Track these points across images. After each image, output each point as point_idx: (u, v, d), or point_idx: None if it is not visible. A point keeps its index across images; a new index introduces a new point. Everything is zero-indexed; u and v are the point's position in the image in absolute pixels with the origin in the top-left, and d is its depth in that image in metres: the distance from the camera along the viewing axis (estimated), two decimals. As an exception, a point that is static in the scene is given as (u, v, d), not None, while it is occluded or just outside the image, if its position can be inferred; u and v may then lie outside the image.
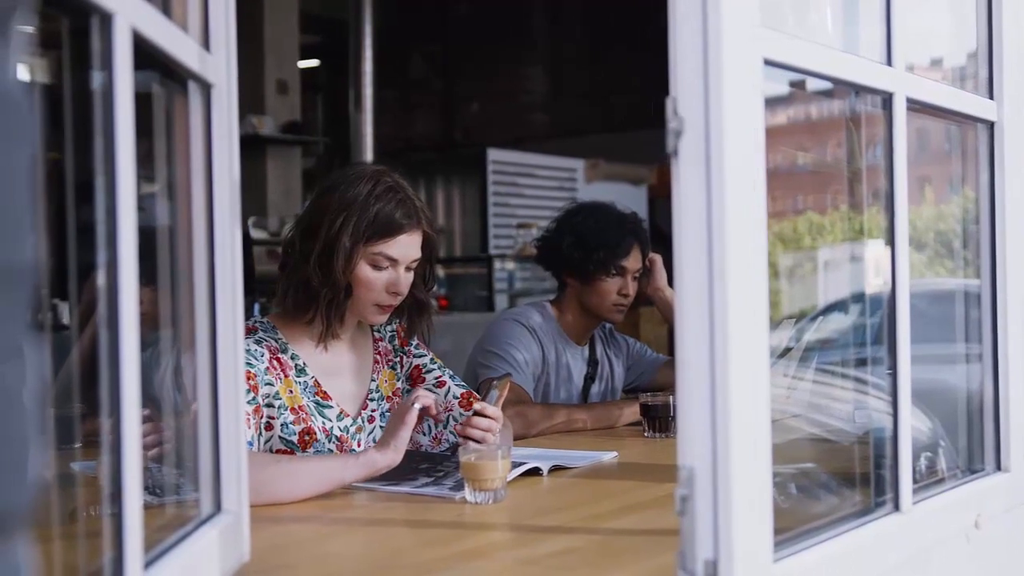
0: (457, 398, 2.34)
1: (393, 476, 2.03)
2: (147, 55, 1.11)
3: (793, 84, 1.46)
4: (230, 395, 1.38)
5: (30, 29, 0.64)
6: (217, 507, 1.37)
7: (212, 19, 1.35)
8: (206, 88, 1.34)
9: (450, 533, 1.71)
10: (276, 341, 2.21)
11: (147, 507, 1.07)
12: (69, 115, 1.09)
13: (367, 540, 1.71)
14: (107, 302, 1.00)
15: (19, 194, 0.59)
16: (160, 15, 1.14)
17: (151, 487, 1.33)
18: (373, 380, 2.33)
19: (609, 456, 2.35)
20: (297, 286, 2.18)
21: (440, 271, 7.77)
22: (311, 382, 2.21)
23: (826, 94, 1.71)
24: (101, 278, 1.00)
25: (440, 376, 2.38)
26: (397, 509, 1.88)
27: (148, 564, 1.09)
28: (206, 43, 1.34)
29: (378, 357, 2.36)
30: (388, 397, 2.35)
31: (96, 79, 1.00)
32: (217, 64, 1.35)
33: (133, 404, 1.02)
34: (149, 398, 1.17)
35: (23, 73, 0.62)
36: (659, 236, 3.74)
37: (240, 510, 1.40)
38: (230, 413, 1.38)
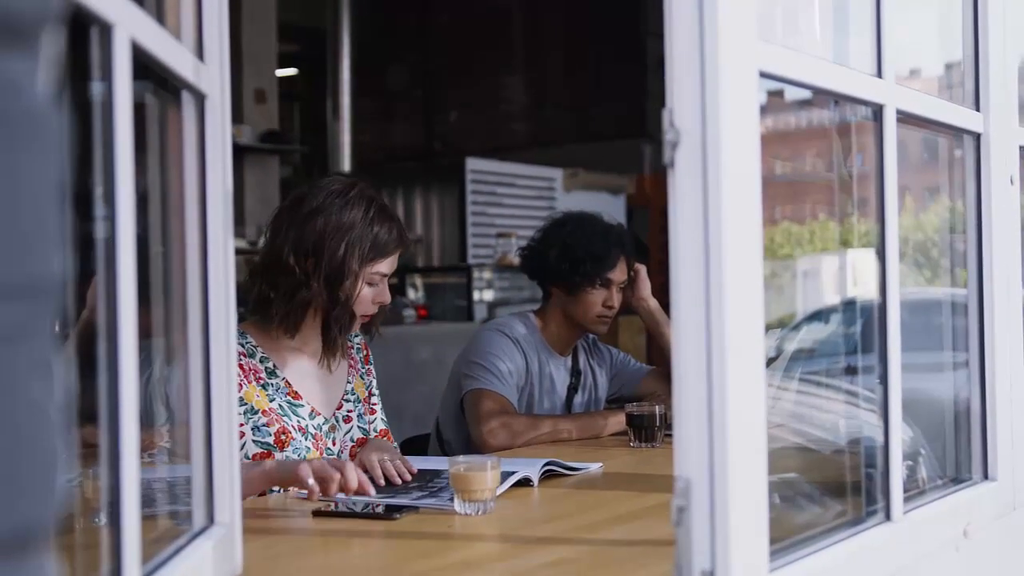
0: (377, 432, 2.42)
1: (388, 490, 2.03)
2: (142, 65, 1.10)
3: (772, 93, 1.47)
4: (223, 407, 1.38)
5: (59, 42, 0.64)
6: (210, 519, 1.36)
7: (206, 29, 1.34)
8: (200, 98, 1.33)
9: (441, 544, 1.71)
10: (242, 346, 2.25)
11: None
12: (65, 124, 1.08)
13: (359, 552, 1.70)
14: (106, 313, 0.99)
15: (50, 209, 0.59)
16: (158, 26, 1.13)
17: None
18: (349, 382, 2.40)
19: (595, 467, 2.35)
20: (299, 307, 2.23)
21: (418, 280, 7.76)
22: (282, 383, 2.26)
23: (804, 104, 1.72)
24: (100, 289, 0.99)
25: (375, 404, 2.48)
26: (388, 521, 1.87)
27: (144, 578, 1.08)
28: (200, 53, 1.33)
29: (352, 362, 2.44)
30: (364, 400, 2.43)
31: (95, 89, 1.00)
32: (211, 74, 1.35)
33: (131, 417, 1.01)
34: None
35: (51, 86, 0.62)
36: (638, 246, 3.73)
37: (233, 522, 1.39)
38: (223, 426, 1.38)
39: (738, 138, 1.18)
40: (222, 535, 1.35)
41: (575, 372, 3.14)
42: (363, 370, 2.46)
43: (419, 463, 2.31)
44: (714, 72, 1.15)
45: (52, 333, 0.59)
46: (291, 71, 10.00)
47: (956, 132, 1.83)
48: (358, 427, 2.38)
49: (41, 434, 0.57)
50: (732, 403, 1.16)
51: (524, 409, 2.97)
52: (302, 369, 2.31)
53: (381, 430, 2.44)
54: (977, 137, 1.83)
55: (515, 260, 3.26)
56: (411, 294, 7.51)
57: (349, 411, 2.38)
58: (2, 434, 0.54)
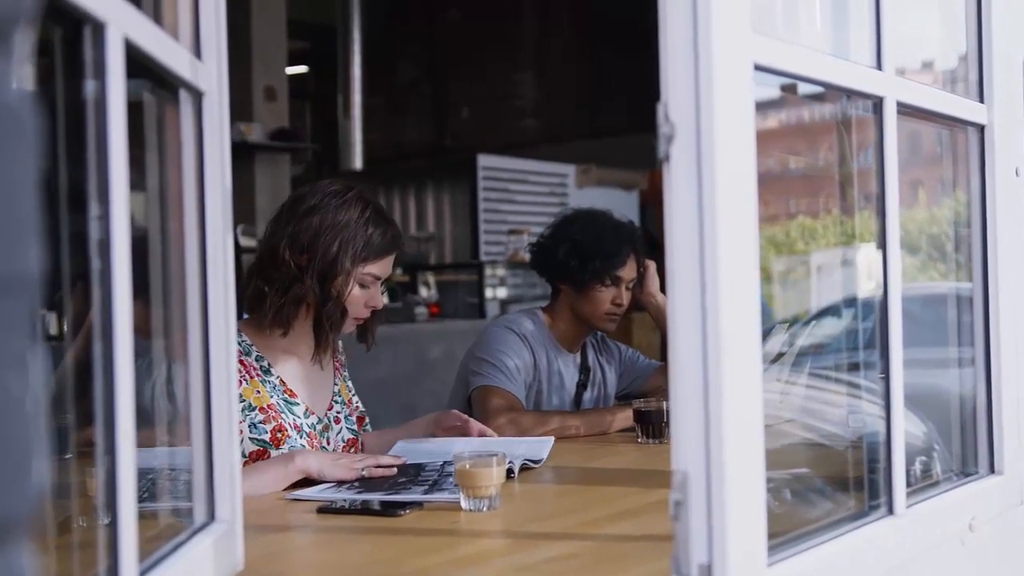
0: (344, 442, 2.43)
1: (383, 488, 2.02)
2: (138, 63, 1.11)
3: (784, 88, 1.47)
4: (223, 405, 1.38)
5: (32, 40, 0.64)
6: (211, 516, 1.37)
7: (203, 26, 1.35)
8: (197, 96, 1.33)
9: (445, 540, 1.71)
10: (239, 344, 2.27)
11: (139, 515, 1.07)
12: (60, 123, 1.09)
13: (361, 548, 1.70)
14: (101, 312, 1.00)
15: (24, 204, 0.59)
16: (152, 24, 1.14)
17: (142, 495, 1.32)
18: (335, 384, 2.45)
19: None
20: (292, 302, 2.26)
21: (431, 278, 7.76)
22: (277, 381, 2.30)
23: (816, 98, 1.72)
24: (95, 288, 0.99)
25: (346, 413, 2.48)
26: (392, 517, 1.87)
27: (143, 573, 1.09)
28: (197, 51, 1.34)
29: (337, 366, 2.49)
30: (347, 402, 2.47)
31: (88, 87, 1.00)
32: (208, 72, 1.35)
33: (127, 415, 1.02)
34: (141, 408, 1.17)
35: (26, 84, 0.62)
36: (650, 242, 3.71)
37: (234, 519, 1.40)
38: (223, 423, 1.38)
39: (733, 131, 1.18)
40: (223, 531, 1.36)
41: (584, 368, 3.14)
42: (345, 374, 2.52)
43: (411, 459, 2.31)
44: (708, 65, 1.15)
45: (30, 327, 0.59)
46: (301, 68, 10.01)
47: (960, 124, 1.83)
48: (347, 428, 2.43)
49: (16, 427, 0.57)
50: (728, 396, 1.16)
51: (532, 406, 2.97)
52: (294, 369, 2.35)
53: (349, 439, 2.44)
54: (981, 129, 1.82)
55: (526, 257, 3.27)
56: (423, 292, 7.51)
57: (338, 413, 2.43)
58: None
